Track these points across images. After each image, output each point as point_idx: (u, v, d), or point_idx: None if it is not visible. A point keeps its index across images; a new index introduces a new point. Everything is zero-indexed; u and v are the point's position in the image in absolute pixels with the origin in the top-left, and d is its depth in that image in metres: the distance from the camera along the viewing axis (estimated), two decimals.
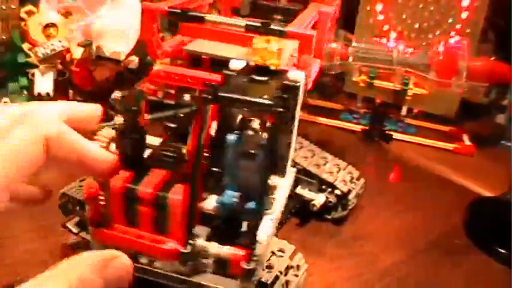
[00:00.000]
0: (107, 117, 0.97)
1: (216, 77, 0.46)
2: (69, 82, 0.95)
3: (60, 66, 0.93)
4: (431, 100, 1.10)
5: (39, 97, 0.90)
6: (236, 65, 0.45)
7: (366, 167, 0.84)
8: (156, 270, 0.46)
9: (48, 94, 0.90)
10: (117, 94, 0.75)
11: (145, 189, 0.43)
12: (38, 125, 0.36)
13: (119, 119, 0.45)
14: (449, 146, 1.08)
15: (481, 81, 1.06)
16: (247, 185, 0.44)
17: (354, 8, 1.19)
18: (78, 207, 0.67)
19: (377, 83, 1.08)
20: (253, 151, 0.43)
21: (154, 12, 0.55)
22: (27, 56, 0.92)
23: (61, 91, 0.94)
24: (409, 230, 0.79)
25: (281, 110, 0.40)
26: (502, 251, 0.75)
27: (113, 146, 0.46)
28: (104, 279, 0.34)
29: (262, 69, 0.44)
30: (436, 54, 1.03)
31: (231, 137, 0.44)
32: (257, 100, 0.40)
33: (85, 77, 0.95)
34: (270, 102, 0.40)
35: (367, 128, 1.09)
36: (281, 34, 0.53)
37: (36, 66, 0.92)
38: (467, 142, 1.11)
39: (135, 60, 1.01)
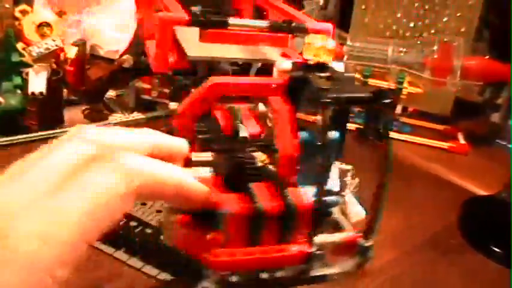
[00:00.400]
0: (101, 117, 0.97)
1: (279, 81, 0.47)
2: (63, 81, 0.94)
3: (54, 65, 0.92)
4: (426, 99, 1.11)
5: (33, 96, 0.90)
6: (286, 65, 0.47)
7: (360, 166, 0.84)
8: (279, 279, 0.47)
9: (41, 93, 0.90)
10: (111, 93, 0.75)
11: (271, 204, 0.43)
12: (128, 174, 0.30)
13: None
14: (444, 144, 1.08)
15: (475, 80, 1.06)
16: (325, 174, 0.45)
17: (349, 7, 1.19)
18: None
19: (371, 81, 1.08)
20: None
21: (173, 23, 0.54)
22: (21, 55, 0.91)
23: (55, 90, 0.93)
24: (404, 229, 0.78)
25: (390, 101, 0.43)
26: (497, 250, 0.75)
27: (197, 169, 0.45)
28: None
29: (317, 66, 0.46)
30: (430, 53, 1.04)
31: (304, 133, 0.46)
32: (373, 96, 0.43)
33: (79, 76, 0.95)
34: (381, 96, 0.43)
35: (362, 126, 1.09)
36: (302, 30, 0.56)
37: (30, 66, 0.91)
38: (462, 141, 1.11)
39: (129, 59, 1.01)
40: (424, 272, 0.70)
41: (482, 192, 0.92)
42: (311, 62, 0.47)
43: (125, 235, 0.63)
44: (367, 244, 0.46)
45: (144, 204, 0.61)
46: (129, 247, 0.63)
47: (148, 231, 0.61)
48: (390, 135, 0.45)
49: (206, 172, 0.45)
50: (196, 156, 0.45)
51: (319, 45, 0.46)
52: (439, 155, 1.06)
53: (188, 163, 0.44)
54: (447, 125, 1.16)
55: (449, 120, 1.16)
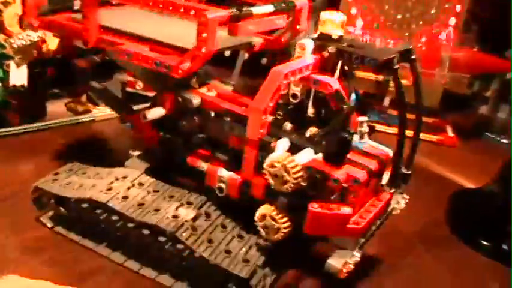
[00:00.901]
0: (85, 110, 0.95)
1: (316, 58, 0.54)
2: (45, 73, 0.92)
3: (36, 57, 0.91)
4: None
5: (14, 88, 0.88)
6: (308, 42, 0.54)
7: None
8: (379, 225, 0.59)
9: (23, 86, 0.88)
10: (96, 84, 0.74)
11: (375, 165, 0.54)
12: None
13: None
14: (433, 137, 1.08)
15: (463, 72, 1.05)
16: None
17: None
18: (52, 201, 0.65)
19: (359, 73, 1.06)
20: None
21: (219, 21, 0.54)
22: (2, 46, 0.89)
23: (37, 83, 0.91)
24: (392, 221, 0.77)
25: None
26: (485, 243, 0.74)
27: None
28: None
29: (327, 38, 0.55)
30: (419, 44, 1.03)
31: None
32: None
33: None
34: None
35: None
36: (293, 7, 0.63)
37: (12, 58, 0.89)
38: (451, 133, 1.10)
39: None
40: (412, 264, 0.69)
41: (469, 185, 0.92)
42: (334, 37, 0.55)
43: (106, 229, 0.62)
44: (409, 172, 0.59)
45: (125, 198, 0.60)
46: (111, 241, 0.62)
47: (131, 225, 0.60)
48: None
49: (310, 153, 0.52)
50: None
51: (339, 20, 0.55)
52: (428, 147, 1.04)
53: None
54: (436, 117, 1.15)
55: (437, 112, 1.15)
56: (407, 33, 1.08)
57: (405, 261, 0.70)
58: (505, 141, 1.11)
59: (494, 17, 1.15)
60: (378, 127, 1.06)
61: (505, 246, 0.73)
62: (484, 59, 1.04)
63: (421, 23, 1.12)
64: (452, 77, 1.05)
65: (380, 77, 1.06)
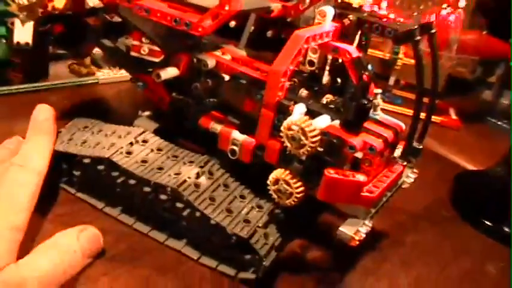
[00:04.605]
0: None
1: (336, 25, 0.53)
2: (50, 33, 0.90)
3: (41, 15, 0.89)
4: None
5: (18, 46, 0.86)
6: (329, 10, 0.53)
7: None
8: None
9: (27, 44, 0.86)
10: (108, 43, 0.72)
11: (391, 135, 0.54)
12: None
13: None
14: (437, 118, 1.07)
15: (471, 54, 1.05)
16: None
17: None
18: (66, 166, 0.64)
19: None
20: None
21: None
22: (7, 3, 0.87)
23: (41, 42, 0.89)
24: (394, 201, 0.77)
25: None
26: (488, 223, 0.74)
27: None
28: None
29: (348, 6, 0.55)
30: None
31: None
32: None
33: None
34: None
35: None
36: None
37: (16, 15, 0.87)
38: (454, 116, 1.10)
39: None
40: (416, 240, 0.69)
41: (471, 167, 0.92)
42: (355, 5, 0.55)
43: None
44: (420, 147, 0.59)
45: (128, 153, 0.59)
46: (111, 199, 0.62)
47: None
48: None
49: (327, 119, 0.51)
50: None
51: None
52: (431, 128, 1.04)
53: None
54: (439, 99, 1.14)
55: (441, 94, 1.14)
56: (415, 13, 1.07)
57: (409, 237, 0.70)
58: (506, 126, 1.11)
59: (502, 4, 1.14)
60: (382, 106, 1.06)
61: (506, 228, 0.74)
62: (493, 42, 1.03)
63: (430, 3, 1.12)
64: (458, 59, 1.05)
65: (387, 55, 1.05)
